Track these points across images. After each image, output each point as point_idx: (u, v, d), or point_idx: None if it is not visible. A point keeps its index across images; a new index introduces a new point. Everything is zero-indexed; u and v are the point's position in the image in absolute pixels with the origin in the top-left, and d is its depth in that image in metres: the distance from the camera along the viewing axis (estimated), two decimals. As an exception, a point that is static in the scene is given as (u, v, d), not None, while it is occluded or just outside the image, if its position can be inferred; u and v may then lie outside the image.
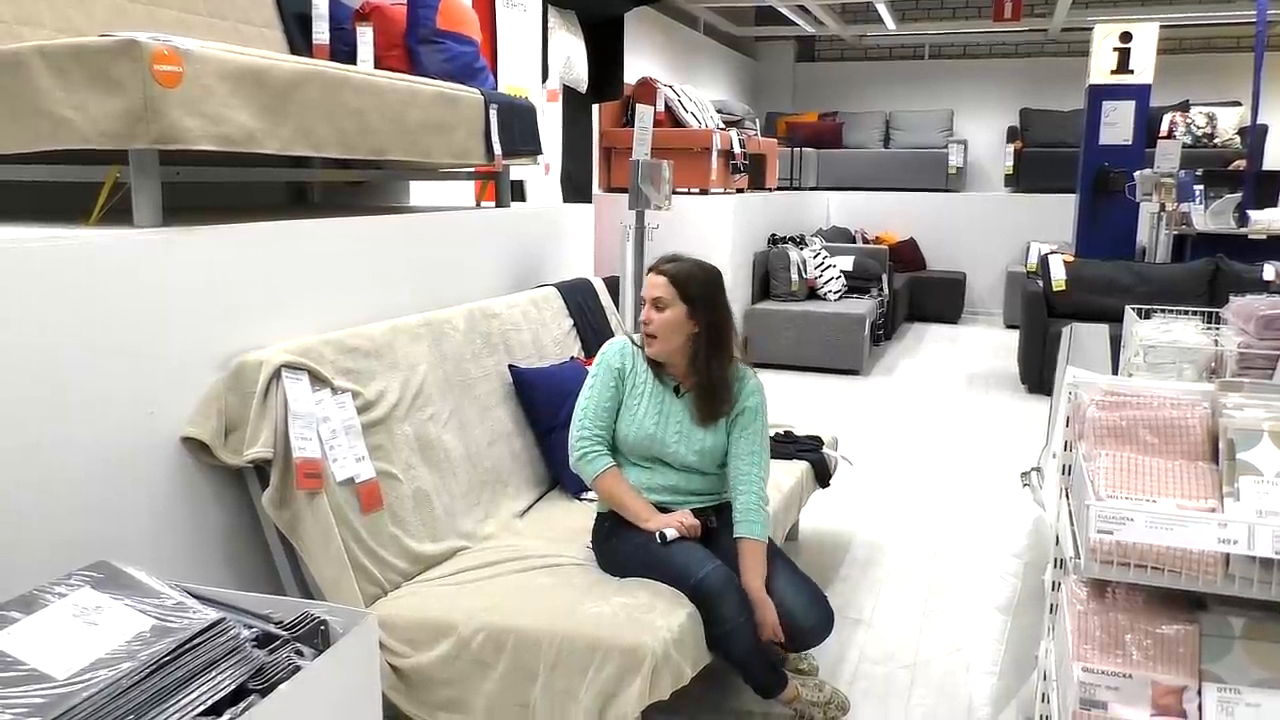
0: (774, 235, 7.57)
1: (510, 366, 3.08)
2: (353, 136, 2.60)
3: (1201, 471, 1.57)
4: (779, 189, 8.69)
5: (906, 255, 9.45)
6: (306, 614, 1.56)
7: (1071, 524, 1.68)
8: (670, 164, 4.10)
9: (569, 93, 5.69)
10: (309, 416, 2.20)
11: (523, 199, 4.95)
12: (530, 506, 2.97)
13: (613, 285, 4.18)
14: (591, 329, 3.62)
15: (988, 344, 8.33)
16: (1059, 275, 6.46)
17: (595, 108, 6.46)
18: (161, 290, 2.06)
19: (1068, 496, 1.80)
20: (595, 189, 6.59)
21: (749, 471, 2.51)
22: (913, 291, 9.18)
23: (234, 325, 2.25)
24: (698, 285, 2.48)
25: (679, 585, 2.29)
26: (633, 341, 2.59)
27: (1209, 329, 2.99)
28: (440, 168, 3.46)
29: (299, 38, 3.35)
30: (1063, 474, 1.84)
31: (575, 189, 5.97)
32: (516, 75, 4.66)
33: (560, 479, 3.08)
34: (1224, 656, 1.51)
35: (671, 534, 2.39)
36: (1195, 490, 1.54)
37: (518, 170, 4.15)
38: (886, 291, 7.81)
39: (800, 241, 7.59)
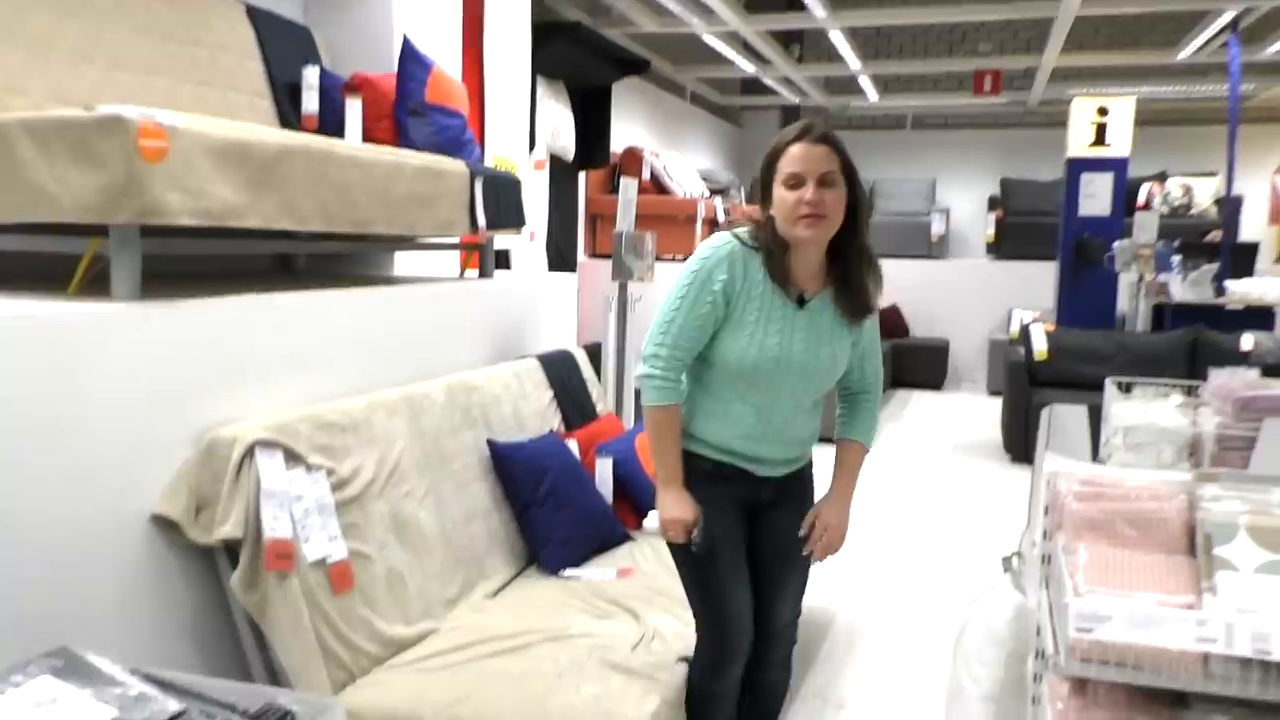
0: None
1: (489, 441, 3.05)
2: (336, 209, 2.61)
3: (1179, 565, 1.56)
4: (764, 255, 8.73)
5: (890, 322, 9.51)
6: (271, 704, 1.52)
7: (1052, 617, 1.66)
8: (653, 236, 4.13)
9: (556, 160, 5.75)
10: (281, 495, 2.17)
11: (507, 266, 4.97)
12: (506, 584, 2.93)
13: (594, 351, 4.18)
14: (572, 402, 3.61)
15: (972, 411, 8.35)
16: (1040, 345, 6.51)
17: (581, 175, 6.53)
18: (136, 365, 2.04)
19: (1048, 587, 1.78)
20: (581, 255, 6.63)
21: (875, 371, 2.25)
22: (896, 358, 9.22)
23: (210, 400, 2.23)
24: (848, 155, 2.05)
25: (719, 622, 2.18)
26: (742, 241, 2.08)
27: (1189, 402, 3.00)
28: (425, 238, 3.48)
29: (289, 107, 3.38)
30: (1043, 563, 1.83)
31: (560, 255, 6.01)
32: (504, 145, 4.71)
33: (538, 556, 3.04)
34: (1208, 757, 1.49)
35: (701, 541, 2.14)
36: (1173, 585, 1.53)
37: (503, 238, 4.17)
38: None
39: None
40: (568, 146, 5.77)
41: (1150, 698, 1.54)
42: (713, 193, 7.71)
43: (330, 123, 3.34)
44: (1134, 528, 1.63)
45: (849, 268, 2.08)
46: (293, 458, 2.26)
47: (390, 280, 3.41)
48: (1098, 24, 9.60)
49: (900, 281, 9.97)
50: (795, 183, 1.98)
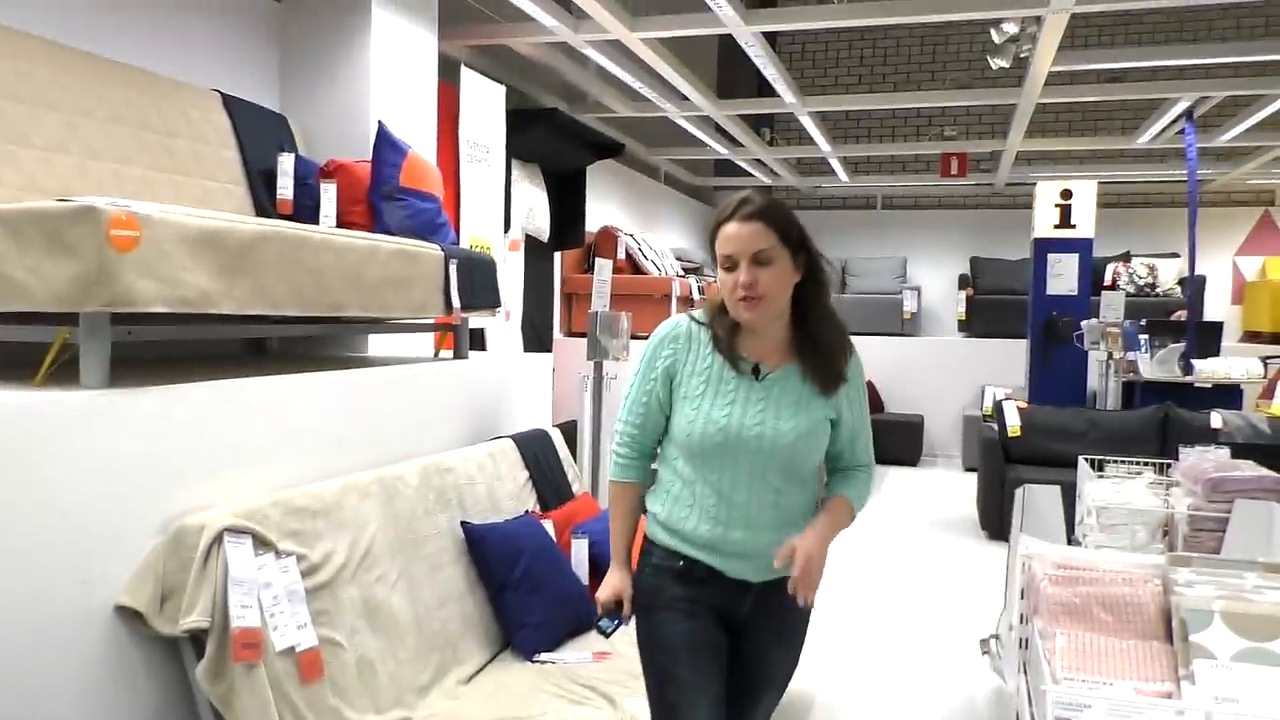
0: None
1: (463, 523, 3.02)
2: (310, 294, 2.61)
3: (1156, 652, 1.56)
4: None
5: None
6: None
7: (1031, 704, 1.65)
8: (628, 315, 4.15)
9: (531, 240, 5.80)
10: (250, 583, 2.13)
11: (483, 347, 4.97)
12: (481, 669, 2.87)
13: (570, 430, 4.17)
14: (548, 482, 3.58)
15: (947, 487, 8.36)
16: (1013, 421, 6.55)
17: (557, 254, 6.59)
18: (104, 453, 2.01)
19: (1026, 672, 1.77)
20: (556, 333, 6.65)
21: (866, 447, 2.12)
22: (872, 434, 9.23)
23: (179, 487, 2.20)
24: (794, 223, 1.98)
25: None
26: (694, 319, 2.08)
27: (1160, 481, 3.03)
28: (400, 320, 3.48)
29: (264, 193, 3.41)
30: (1021, 647, 1.82)
31: (536, 334, 6.02)
32: (480, 227, 4.75)
33: (513, 639, 2.99)
34: None
35: (610, 625, 2.13)
36: (1151, 672, 1.52)
37: (478, 318, 4.18)
38: (845, 435, 7.84)
39: (759, 385, 7.65)
40: (543, 227, 5.83)
41: (1132, 788, 1.52)
42: (687, 271, 7.80)
43: (306, 208, 3.37)
44: (1109, 612, 1.62)
45: (812, 337, 2.01)
46: (262, 544, 2.23)
47: (364, 362, 3.40)
48: (1059, 110, 9.90)
49: (874, 358, 10.04)
50: (729, 265, 1.95)
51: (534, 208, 5.69)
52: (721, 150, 8.65)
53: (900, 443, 9.46)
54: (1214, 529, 2.44)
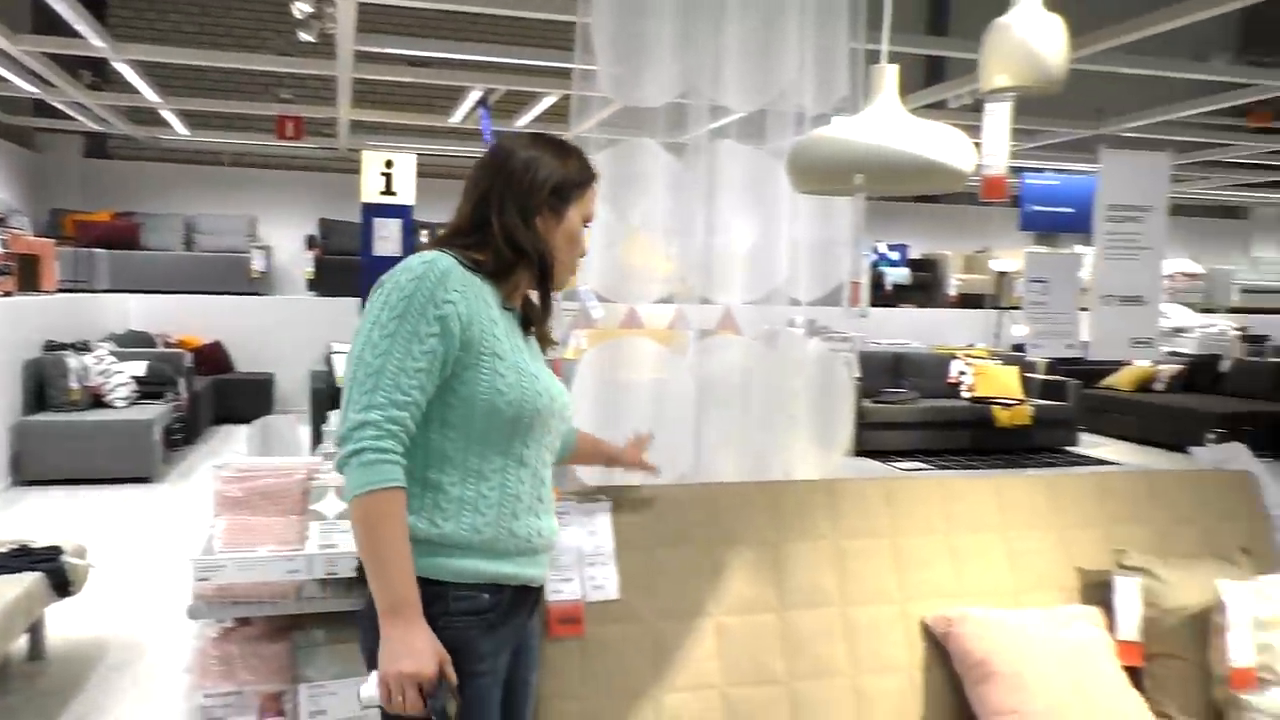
0: (50, 341, 7.12)
1: None
2: None
3: (294, 523, 2.07)
4: (61, 291, 8.19)
5: (212, 357, 9.50)
6: None
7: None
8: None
9: None
10: None
11: None
12: None
13: None
14: None
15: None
16: (340, 372, 7.12)
17: None
18: None
19: (214, 559, 2.18)
20: None
21: None
22: (219, 393, 9.23)
23: None
24: None
25: None
26: (463, 264, 1.56)
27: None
28: None
29: None
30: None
31: None
32: None
33: None
34: (313, 661, 2.01)
35: (454, 706, 1.48)
36: (288, 537, 2.02)
37: None
38: (184, 395, 7.79)
39: (83, 347, 7.25)
40: None
41: (273, 628, 2.01)
42: (-11, 223, 7.05)
43: None
44: (266, 499, 2.10)
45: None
46: None
47: None
48: (385, 85, 10.66)
49: (221, 317, 10.02)
50: (587, 225, 1.73)
51: None
52: (30, 89, 7.88)
53: (249, 400, 9.56)
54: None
